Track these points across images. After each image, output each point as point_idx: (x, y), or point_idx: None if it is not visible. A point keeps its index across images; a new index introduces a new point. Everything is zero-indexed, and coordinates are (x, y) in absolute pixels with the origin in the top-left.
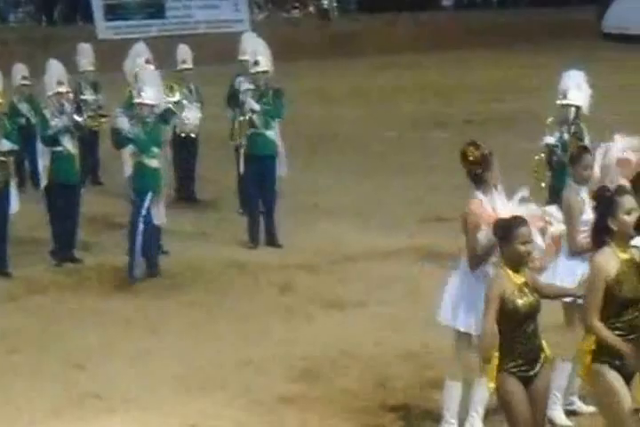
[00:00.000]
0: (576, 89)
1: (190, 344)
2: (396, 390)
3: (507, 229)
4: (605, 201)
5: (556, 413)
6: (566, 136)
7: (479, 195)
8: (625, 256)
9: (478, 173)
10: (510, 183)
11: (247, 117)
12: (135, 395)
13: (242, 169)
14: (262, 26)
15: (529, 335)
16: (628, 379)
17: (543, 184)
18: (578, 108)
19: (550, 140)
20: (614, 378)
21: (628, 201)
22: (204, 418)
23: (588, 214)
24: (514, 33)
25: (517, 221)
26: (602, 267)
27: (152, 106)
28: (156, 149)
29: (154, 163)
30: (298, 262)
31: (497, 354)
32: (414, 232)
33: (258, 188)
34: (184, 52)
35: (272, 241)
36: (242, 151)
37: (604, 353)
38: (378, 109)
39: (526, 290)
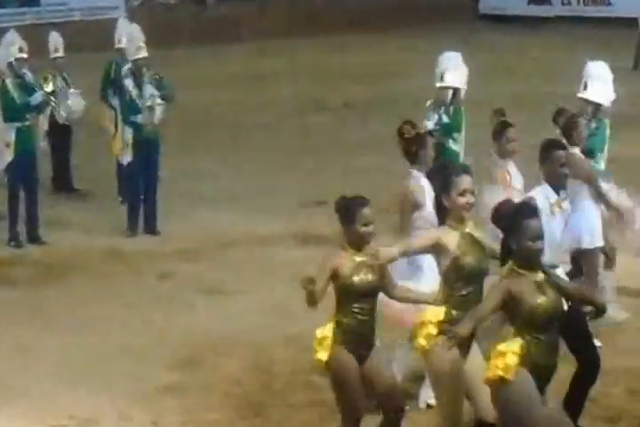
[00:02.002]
0: (453, 71)
1: (70, 334)
2: (279, 376)
3: (348, 211)
4: (442, 179)
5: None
6: (445, 118)
7: (414, 172)
8: (463, 231)
9: (413, 151)
10: (396, 168)
11: (130, 104)
12: (16, 387)
13: (126, 157)
14: (138, 12)
15: (365, 313)
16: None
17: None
18: (456, 89)
19: (430, 123)
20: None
21: (462, 181)
22: (85, 408)
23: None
24: (391, 16)
25: (359, 203)
26: (443, 243)
27: None
28: None
29: None
30: (177, 249)
31: (333, 328)
32: (295, 216)
33: (141, 175)
34: (55, 41)
35: (151, 229)
36: (127, 139)
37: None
38: (256, 94)
39: (365, 269)
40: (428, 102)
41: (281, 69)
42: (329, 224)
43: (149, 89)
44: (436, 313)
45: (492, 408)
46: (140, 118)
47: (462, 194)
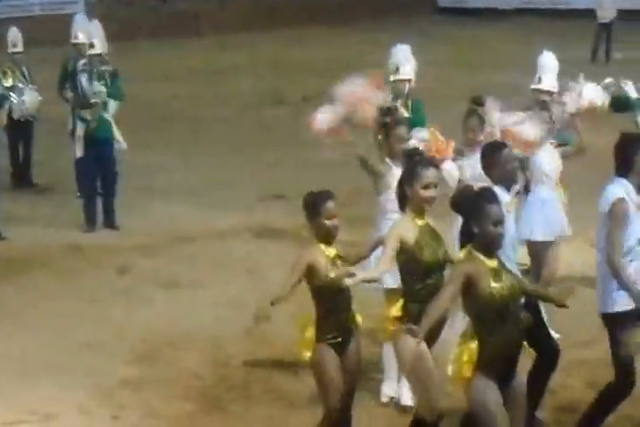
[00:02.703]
0: (406, 63)
1: (29, 328)
2: (237, 369)
3: (313, 205)
4: (407, 168)
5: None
6: (405, 113)
7: (387, 159)
8: (421, 222)
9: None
10: (355, 161)
11: (82, 100)
12: None
13: (78, 152)
14: (97, 7)
15: (343, 307)
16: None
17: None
18: (410, 81)
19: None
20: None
21: (427, 175)
22: (44, 403)
23: None
24: (351, 10)
25: (323, 196)
26: (399, 233)
27: None
28: None
29: None
30: (135, 244)
31: (313, 325)
32: (253, 210)
33: (95, 170)
34: (14, 36)
35: (110, 223)
36: (79, 134)
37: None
38: (216, 89)
39: (338, 263)
40: (386, 95)
41: (241, 63)
42: (286, 218)
43: (97, 86)
44: (399, 308)
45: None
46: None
47: (426, 187)
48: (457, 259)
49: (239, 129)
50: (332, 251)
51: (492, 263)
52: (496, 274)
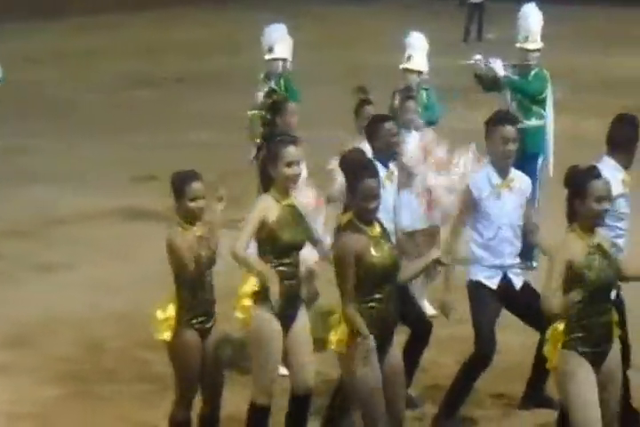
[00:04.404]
0: (281, 42)
1: None
2: (108, 352)
3: (178, 185)
4: (268, 149)
5: None
6: (277, 90)
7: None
8: (285, 202)
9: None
10: (229, 142)
11: None
12: None
13: None
14: None
15: (206, 288)
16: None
17: (258, 140)
18: (284, 60)
19: (261, 95)
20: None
21: (289, 153)
22: None
23: None
24: None
25: (187, 177)
26: (262, 210)
27: None
28: None
29: None
30: (6, 228)
31: (174, 306)
32: (125, 192)
33: None
34: None
35: None
36: None
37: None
38: (84, 71)
39: (203, 243)
40: (261, 74)
41: (110, 46)
42: (159, 200)
43: None
44: (252, 285)
45: (305, 380)
46: None
47: (289, 165)
48: (338, 220)
49: (111, 111)
50: (198, 231)
51: (374, 231)
52: (376, 243)
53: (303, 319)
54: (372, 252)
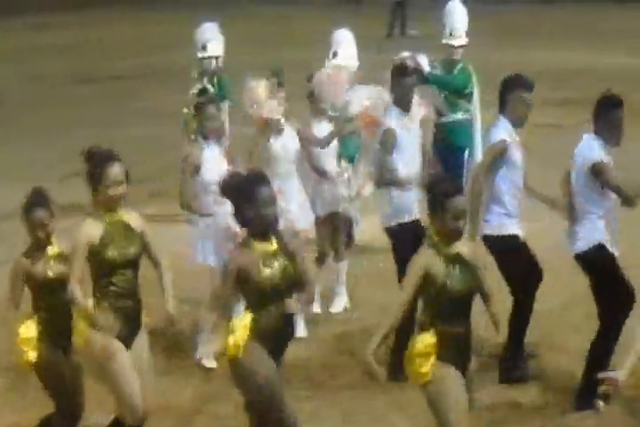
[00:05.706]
0: (213, 41)
1: None
2: None
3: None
4: (89, 170)
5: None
6: (211, 88)
7: (200, 140)
8: (110, 219)
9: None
10: (169, 138)
11: None
12: None
13: None
14: None
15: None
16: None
17: (193, 136)
18: (217, 58)
19: (194, 93)
20: None
21: (112, 173)
22: None
23: None
24: None
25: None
26: (85, 236)
27: None
28: None
29: None
30: None
31: (37, 325)
32: (62, 188)
33: None
34: None
35: None
36: None
37: None
38: (22, 68)
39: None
40: (194, 72)
41: (47, 43)
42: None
43: None
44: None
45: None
46: None
47: (113, 185)
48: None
49: (48, 108)
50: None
51: (267, 247)
52: (266, 259)
53: (142, 342)
54: (261, 269)
